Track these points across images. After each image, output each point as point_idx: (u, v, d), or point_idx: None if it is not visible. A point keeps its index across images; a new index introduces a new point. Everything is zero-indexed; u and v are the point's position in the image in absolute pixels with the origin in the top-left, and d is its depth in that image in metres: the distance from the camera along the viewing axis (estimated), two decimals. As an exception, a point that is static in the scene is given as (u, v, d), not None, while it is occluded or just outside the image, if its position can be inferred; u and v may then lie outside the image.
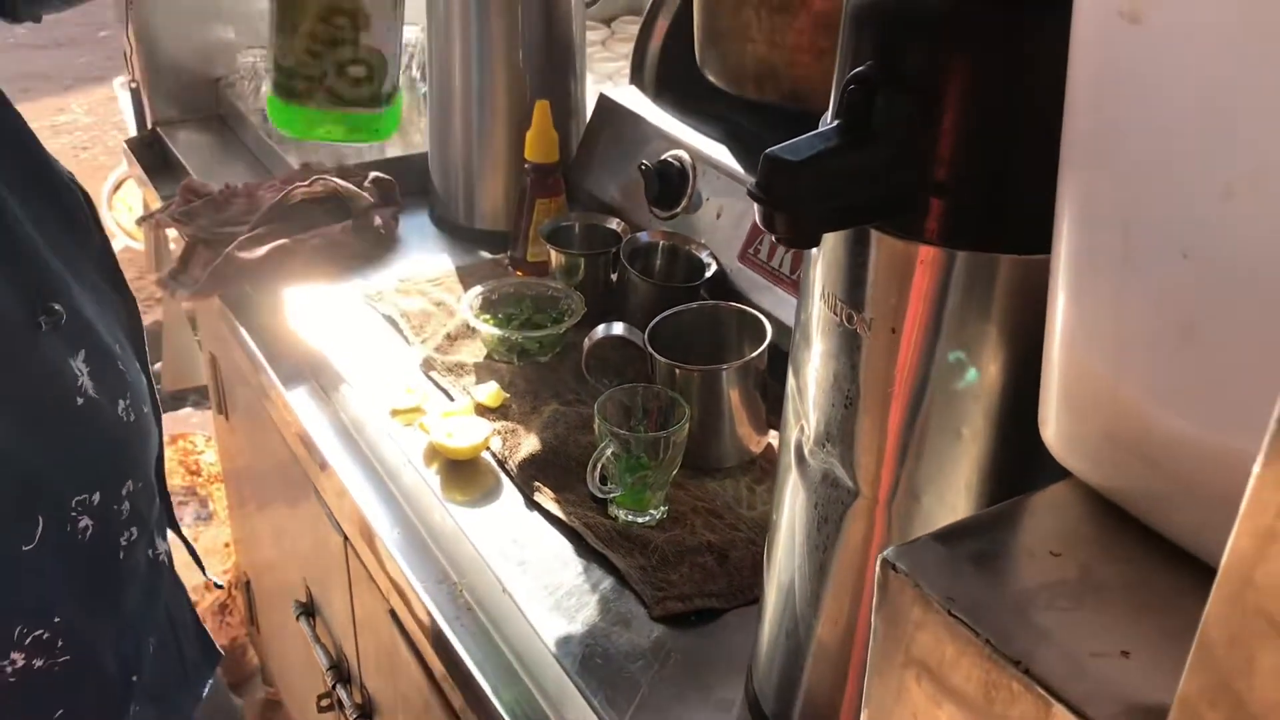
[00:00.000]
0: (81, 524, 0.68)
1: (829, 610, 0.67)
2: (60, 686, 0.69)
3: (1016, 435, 0.57)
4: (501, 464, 0.97)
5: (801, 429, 0.64)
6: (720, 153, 1.16)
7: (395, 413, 1.04)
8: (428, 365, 1.11)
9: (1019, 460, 0.58)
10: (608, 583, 0.85)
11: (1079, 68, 0.42)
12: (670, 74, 1.32)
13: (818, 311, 0.60)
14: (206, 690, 0.91)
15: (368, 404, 1.09)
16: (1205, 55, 0.36)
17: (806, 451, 0.63)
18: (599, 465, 0.85)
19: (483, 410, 1.03)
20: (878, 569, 0.44)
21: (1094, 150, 0.42)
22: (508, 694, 0.80)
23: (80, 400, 0.67)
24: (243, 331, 1.25)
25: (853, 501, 0.62)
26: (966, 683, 0.41)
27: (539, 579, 0.85)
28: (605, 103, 1.30)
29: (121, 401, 0.72)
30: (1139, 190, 0.40)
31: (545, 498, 0.92)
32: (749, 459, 0.97)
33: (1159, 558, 0.43)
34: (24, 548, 0.64)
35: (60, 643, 0.67)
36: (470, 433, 0.97)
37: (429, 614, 0.90)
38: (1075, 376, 0.45)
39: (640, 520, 0.89)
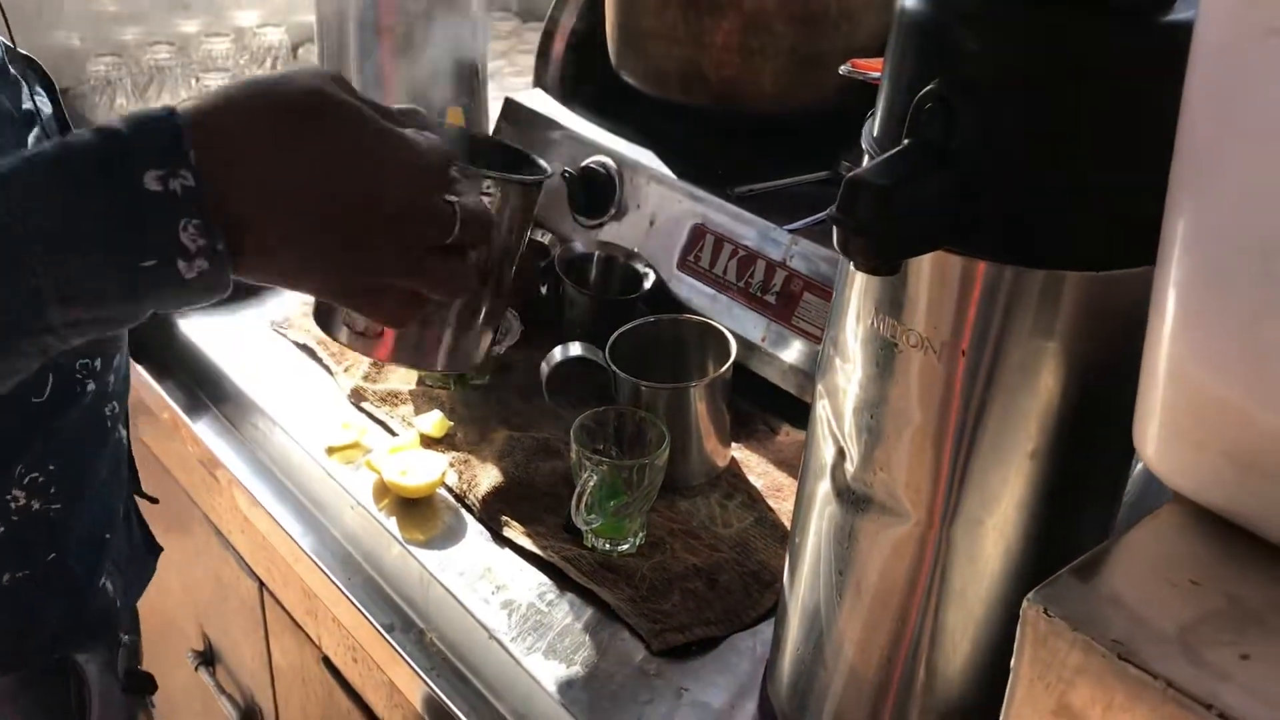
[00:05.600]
0: (89, 387, 0.73)
1: (865, 636, 0.65)
2: (53, 531, 0.74)
3: (1077, 452, 0.56)
4: (460, 499, 0.92)
5: (839, 452, 0.62)
6: (646, 157, 1.13)
7: (332, 450, 0.97)
8: (357, 396, 1.04)
9: (1075, 478, 0.57)
10: (598, 618, 0.81)
11: (1209, 84, 0.41)
12: (577, 76, 1.28)
13: (864, 332, 0.58)
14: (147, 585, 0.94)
15: (294, 440, 1.01)
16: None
17: (849, 476, 0.61)
18: (583, 498, 0.81)
19: (428, 442, 0.97)
20: (1025, 613, 0.42)
21: (1225, 169, 0.41)
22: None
23: None
24: (140, 369, 1.15)
25: (902, 526, 0.60)
26: (1142, 728, 0.39)
27: (526, 621, 0.81)
28: (512, 108, 1.25)
29: None
30: (1286, 210, 0.39)
31: (515, 532, 0.87)
32: (716, 475, 0.95)
33: (1300, 578, 0.43)
34: (34, 399, 0.70)
35: (53, 489, 0.73)
36: (425, 468, 0.91)
37: (400, 663, 0.84)
38: (1191, 396, 0.44)
39: (620, 548, 0.85)
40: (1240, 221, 0.41)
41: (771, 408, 1.02)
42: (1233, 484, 0.44)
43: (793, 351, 0.98)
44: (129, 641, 0.89)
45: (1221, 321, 0.42)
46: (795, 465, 0.98)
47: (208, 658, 1.39)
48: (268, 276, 0.54)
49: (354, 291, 0.56)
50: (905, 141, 0.49)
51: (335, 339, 0.69)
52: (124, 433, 0.83)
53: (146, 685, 0.92)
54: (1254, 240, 0.40)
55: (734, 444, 0.98)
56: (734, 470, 0.96)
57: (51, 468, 0.72)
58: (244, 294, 1.21)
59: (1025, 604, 0.42)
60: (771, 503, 0.93)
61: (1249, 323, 0.41)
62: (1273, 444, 0.42)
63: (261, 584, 1.14)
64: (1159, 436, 0.47)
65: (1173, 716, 0.38)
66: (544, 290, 1.12)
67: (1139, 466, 0.56)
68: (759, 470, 0.96)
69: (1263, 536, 0.44)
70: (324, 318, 0.68)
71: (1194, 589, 0.43)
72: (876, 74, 1.01)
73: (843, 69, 0.96)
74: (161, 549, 0.95)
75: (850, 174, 0.47)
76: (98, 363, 0.74)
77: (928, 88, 0.49)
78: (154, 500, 0.97)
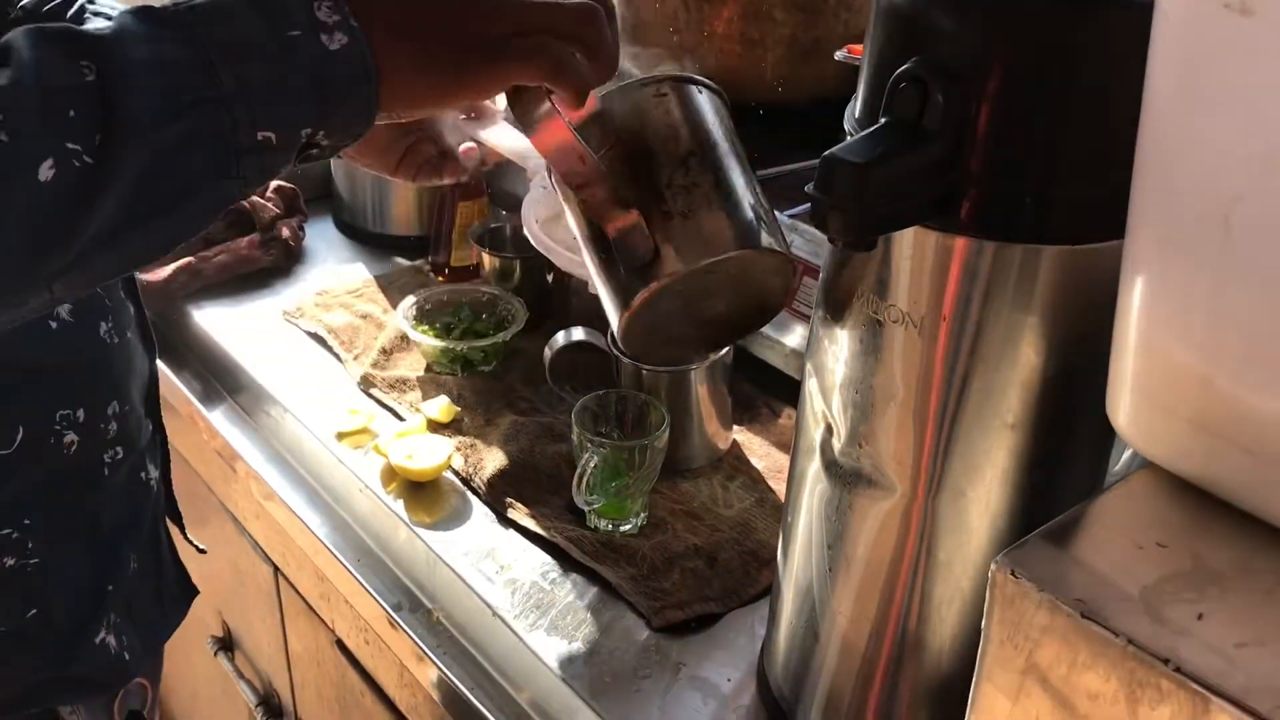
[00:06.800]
0: (67, 438, 0.70)
1: (855, 609, 0.66)
2: (32, 587, 0.71)
3: (1058, 423, 0.57)
4: (466, 482, 0.93)
5: (828, 428, 0.63)
6: (650, 146, 1.14)
7: (341, 435, 0.99)
8: (366, 383, 1.06)
9: (1058, 448, 0.58)
10: (599, 596, 0.83)
11: (1170, 59, 0.42)
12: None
13: (849, 309, 0.59)
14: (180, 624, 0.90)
15: (305, 427, 1.03)
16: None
17: (836, 452, 0.62)
18: (584, 479, 0.83)
19: (435, 426, 0.99)
20: (993, 575, 0.43)
21: (1187, 141, 0.42)
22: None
23: (54, 324, 0.70)
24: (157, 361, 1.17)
25: (888, 499, 0.61)
26: (1105, 685, 0.41)
27: (530, 599, 0.82)
28: (519, 99, 1.26)
29: (103, 324, 0.73)
30: (1243, 181, 0.40)
31: (520, 514, 0.89)
32: (717, 457, 0.96)
33: (1262, 540, 0.44)
34: (2, 451, 0.68)
35: (30, 545, 0.70)
36: (431, 452, 0.93)
37: (408, 642, 0.86)
38: (1159, 364, 0.46)
39: (622, 529, 0.87)
40: (1201, 190, 0.42)
41: (774, 391, 1.03)
42: (1199, 450, 0.45)
43: (794, 335, 0.99)
44: (135, 687, 0.83)
45: (1185, 289, 0.44)
46: (797, 447, 0.99)
47: (227, 643, 1.42)
48: (405, 52, 0.53)
49: (507, 50, 0.55)
50: (881, 120, 0.51)
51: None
52: (151, 473, 0.80)
53: None
54: (1214, 208, 0.41)
55: (736, 427, 0.99)
56: (736, 452, 0.97)
57: (28, 522, 0.69)
58: (257, 284, 1.24)
59: (993, 566, 0.43)
60: (773, 484, 0.94)
61: (1211, 290, 0.42)
62: (1234, 410, 0.43)
63: (277, 569, 1.16)
64: (1129, 404, 0.48)
65: (1133, 672, 0.39)
66: (550, 278, 1.13)
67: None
68: (761, 452, 0.97)
69: (1229, 501, 0.45)
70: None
71: (1160, 551, 0.44)
72: (872, 59, 1.01)
73: (838, 55, 0.97)
74: (198, 591, 0.90)
75: (827, 152, 0.49)
76: (80, 413, 0.71)
77: (903, 67, 0.50)
78: (202, 550, 0.94)
